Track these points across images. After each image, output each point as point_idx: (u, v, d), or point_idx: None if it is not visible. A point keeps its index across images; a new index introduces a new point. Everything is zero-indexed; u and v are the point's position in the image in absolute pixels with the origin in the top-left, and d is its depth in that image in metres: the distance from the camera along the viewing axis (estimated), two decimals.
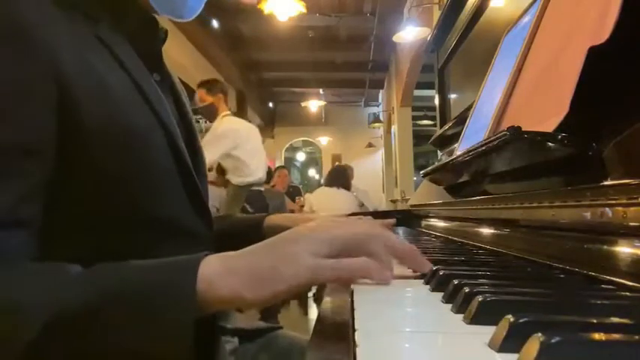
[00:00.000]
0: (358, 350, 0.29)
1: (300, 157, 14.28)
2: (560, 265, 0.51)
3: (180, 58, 5.38)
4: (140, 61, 0.60)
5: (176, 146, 0.60)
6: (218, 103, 3.18)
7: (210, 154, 2.98)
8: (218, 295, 0.43)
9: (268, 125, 11.07)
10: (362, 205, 4.61)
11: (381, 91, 9.61)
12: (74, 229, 0.52)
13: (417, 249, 0.55)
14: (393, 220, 1.05)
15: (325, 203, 3.87)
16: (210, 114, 3.21)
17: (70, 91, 0.49)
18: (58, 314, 0.40)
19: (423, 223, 1.38)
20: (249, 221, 0.88)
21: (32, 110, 0.47)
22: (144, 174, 0.56)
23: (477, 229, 0.85)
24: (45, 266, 0.44)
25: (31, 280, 0.42)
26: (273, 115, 11.27)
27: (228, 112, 3.24)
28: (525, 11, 0.87)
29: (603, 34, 0.49)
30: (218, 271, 0.43)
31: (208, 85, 3.21)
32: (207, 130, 3.40)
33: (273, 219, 0.84)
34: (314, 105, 9.74)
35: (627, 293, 0.39)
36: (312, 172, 14.45)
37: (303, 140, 12.17)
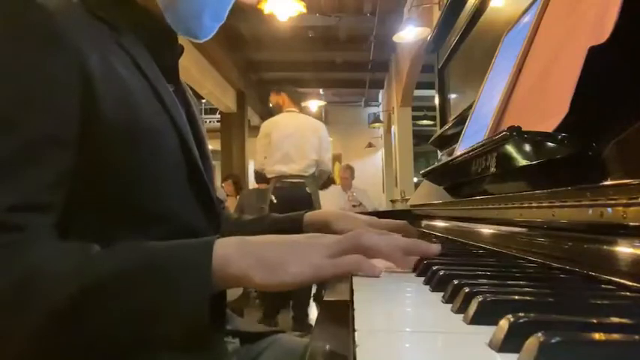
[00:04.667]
0: (358, 350, 0.29)
1: None
2: (560, 265, 0.51)
3: (181, 58, 5.38)
4: (158, 70, 0.63)
5: (188, 149, 0.63)
6: (282, 102, 3.59)
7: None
8: (230, 272, 0.48)
9: None
10: (359, 204, 4.62)
11: (381, 91, 9.61)
12: (85, 220, 0.54)
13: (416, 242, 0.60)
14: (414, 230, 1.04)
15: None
16: (277, 112, 3.61)
17: (94, 87, 0.51)
18: (81, 285, 0.43)
19: (423, 223, 1.38)
20: (290, 218, 0.92)
21: (61, 103, 0.50)
22: (156, 173, 0.58)
23: (476, 229, 0.85)
24: (71, 244, 0.48)
25: (59, 255, 0.46)
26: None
27: (290, 110, 3.58)
28: (525, 11, 0.87)
29: (603, 34, 0.49)
30: (233, 251, 0.49)
31: (278, 88, 3.65)
32: (207, 130, 3.47)
33: (312, 215, 0.90)
34: (314, 105, 9.73)
35: (627, 293, 0.39)
36: None
37: None
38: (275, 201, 3.29)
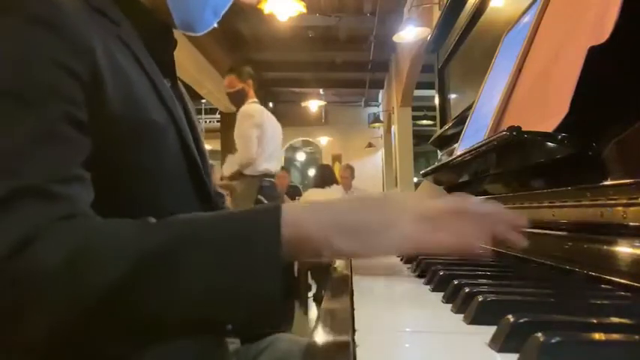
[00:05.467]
0: (358, 350, 0.29)
1: (300, 157, 14.27)
2: (560, 265, 0.51)
3: (180, 58, 5.37)
4: (155, 65, 0.62)
5: (186, 144, 0.62)
6: (248, 89, 3.19)
7: (243, 134, 3.04)
8: (308, 237, 0.42)
9: None
10: None
11: (381, 91, 9.61)
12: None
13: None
14: None
15: None
16: (240, 100, 3.20)
17: (100, 79, 0.51)
18: (142, 257, 0.40)
19: None
20: None
21: (73, 90, 0.49)
22: (157, 168, 0.58)
23: None
24: (120, 219, 0.45)
25: (111, 228, 0.43)
26: (273, 115, 11.26)
27: (256, 100, 3.23)
28: (525, 11, 0.87)
29: (603, 34, 0.49)
30: (306, 213, 0.43)
31: (238, 70, 3.20)
32: (206, 130, 3.41)
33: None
34: (314, 105, 9.73)
35: (627, 293, 0.39)
36: (312, 172, 14.42)
37: (303, 140, 12.16)
38: (266, 202, 3.18)
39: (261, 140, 3.13)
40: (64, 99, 0.48)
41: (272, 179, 3.24)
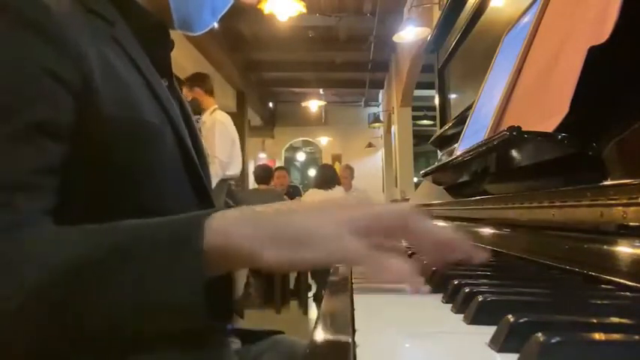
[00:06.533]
0: (358, 350, 0.29)
1: (300, 157, 14.27)
2: (560, 265, 0.51)
3: (180, 58, 5.38)
4: (151, 64, 0.62)
5: (184, 144, 0.62)
6: (200, 99, 3.27)
7: (224, 141, 3.18)
8: (234, 248, 0.40)
9: (268, 125, 11.06)
10: None
11: (381, 91, 9.61)
12: (82, 217, 0.53)
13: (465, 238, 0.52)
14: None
15: None
16: (194, 109, 3.29)
17: (92, 83, 0.51)
18: (63, 266, 0.39)
19: None
20: None
21: (56, 96, 0.48)
22: (154, 169, 0.57)
23: (477, 229, 0.85)
24: (53, 226, 0.45)
25: (35, 238, 0.42)
26: (273, 115, 11.27)
27: (216, 106, 3.34)
28: (525, 11, 0.87)
29: (603, 34, 0.49)
30: (238, 223, 0.41)
31: (189, 83, 3.30)
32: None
33: None
34: (314, 105, 9.74)
35: (627, 293, 0.39)
36: (312, 172, 14.42)
37: (303, 140, 12.17)
38: (232, 203, 3.25)
39: (234, 145, 3.31)
40: (43, 105, 0.47)
41: (233, 182, 3.45)
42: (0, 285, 0.39)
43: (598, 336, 0.26)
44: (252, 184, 6.11)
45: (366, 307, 0.40)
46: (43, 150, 0.47)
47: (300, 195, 5.76)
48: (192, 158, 0.63)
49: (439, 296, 0.44)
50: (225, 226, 0.41)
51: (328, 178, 4.05)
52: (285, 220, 0.43)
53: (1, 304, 0.39)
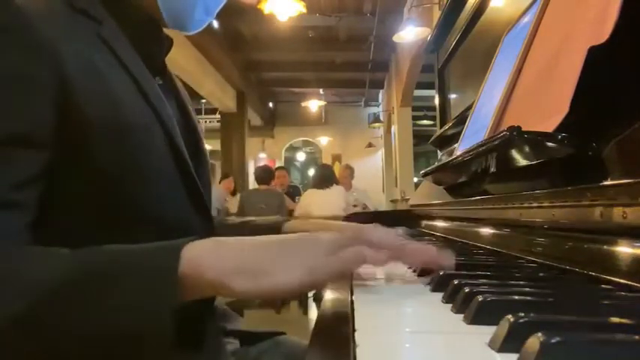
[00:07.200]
0: (358, 350, 0.29)
1: (301, 157, 14.27)
2: (560, 265, 0.51)
3: (180, 58, 5.38)
4: (141, 62, 0.61)
5: (175, 145, 0.60)
6: None
7: None
8: (204, 279, 0.41)
9: (268, 125, 11.06)
10: (365, 207, 4.61)
11: (381, 91, 9.61)
12: (72, 225, 0.52)
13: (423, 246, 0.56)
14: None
15: (316, 204, 3.85)
16: None
17: (71, 85, 0.50)
18: (38, 291, 0.39)
19: (423, 223, 1.38)
20: (269, 225, 0.86)
21: (33, 103, 0.48)
22: (142, 172, 0.56)
23: (477, 229, 0.85)
24: (31, 247, 0.45)
25: (16, 258, 0.42)
26: (273, 115, 11.27)
27: None
28: (525, 11, 0.87)
29: (603, 34, 0.49)
30: (207, 254, 0.42)
31: None
32: (206, 130, 3.45)
33: (293, 224, 0.83)
34: (314, 105, 9.73)
35: (627, 293, 0.39)
36: (312, 172, 14.40)
37: (303, 140, 12.16)
38: None
39: None
40: (15, 113, 0.46)
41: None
42: None
43: (598, 336, 0.26)
44: (252, 184, 6.11)
45: (366, 307, 0.40)
46: (20, 162, 0.46)
47: (300, 195, 5.76)
48: (184, 159, 0.61)
49: (439, 296, 0.44)
50: (197, 257, 0.42)
51: (326, 178, 4.04)
52: (251, 251, 0.44)
53: None
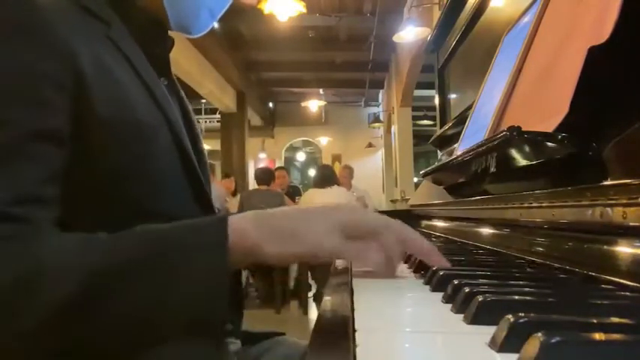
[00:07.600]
0: (358, 350, 0.29)
1: (300, 157, 14.27)
2: (560, 265, 0.51)
3: (181, 58, 5.38)
4: (148, 64, 0.61)
5: (182, 145, 0.61)
6: None
7: None
8: (245, 245, 0.46)
9: (268, 125, 11.07)
10: (366, 206, 4.61)
11: (381, 91, 9.61)
12: (79, 223, 0.52)
13: (433, 245, 0.57)
14: None
15: (317, 203, 3.85)
16: None
17: (86, 85, 0.51)
18: (90, 274, 0.42)
19: (423, 223, 1.38)
20: None
21: (53, 100, 0.48)
22: (150, 170, 0.57)
23: (476, 229, 0.85)
24: (75, 235, 0.46)
25: (65, 247, 0.44)
26: (273, 115, 11.27)
27: None
28: (525, 11, 0.87)
29: (603, 34, 0.49)
30: (249, 224, 0.48)
31: None
32: (206, 130, 3.46)
33: None
34: (314, 105, 9.73)
35: (627, 293, 0.39)
36: (312, 172, 14.41)
37: (303, 140, 12.16)
38: None
39: None
40: (38, 110, 0.47)
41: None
42: (20, 302, 0.40)
43: (598, 336, 0.26)
44: (252, 184, 6.11)
45: (366, 307, 0.40)
46: (45, 158, 0.47)
47: (300, 195, 5.76)
48: (190, 160, 0.62)
49: (439, 296, 0.44)
50: (242, 227, 0.47)
51: (326, 178, 4.04)
52: (284, 219, 0.49)
53: (21, 322, 0.40)
